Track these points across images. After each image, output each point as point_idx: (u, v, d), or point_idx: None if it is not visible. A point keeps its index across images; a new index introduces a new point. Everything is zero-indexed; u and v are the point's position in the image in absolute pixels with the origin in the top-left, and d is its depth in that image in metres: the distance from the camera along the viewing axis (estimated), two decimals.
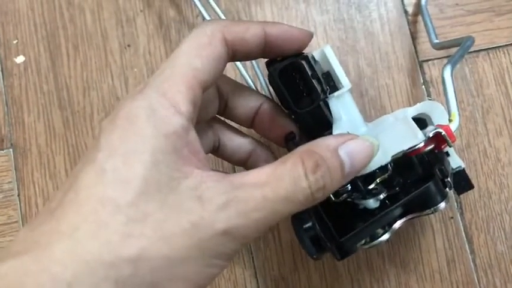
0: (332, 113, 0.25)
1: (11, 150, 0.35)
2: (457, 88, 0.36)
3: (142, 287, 0.18)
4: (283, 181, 0.19)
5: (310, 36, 0.25)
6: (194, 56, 0.21)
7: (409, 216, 0.26)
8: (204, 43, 0.21)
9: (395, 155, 0.24)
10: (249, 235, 0.19)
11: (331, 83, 0.25)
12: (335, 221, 0.25)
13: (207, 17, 0.36)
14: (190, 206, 0.19)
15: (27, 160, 0.35)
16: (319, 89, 0.24)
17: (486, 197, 0.35)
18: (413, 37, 0.37)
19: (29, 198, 0.35)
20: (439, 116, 0.26)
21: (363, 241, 0.25)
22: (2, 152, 0.35)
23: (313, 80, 0.24)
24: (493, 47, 0.37)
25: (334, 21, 0.37)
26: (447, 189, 0.26)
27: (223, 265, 0.20)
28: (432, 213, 0.25)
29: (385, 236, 0.25)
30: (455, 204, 0.35)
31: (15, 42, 0.37)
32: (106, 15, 0.37)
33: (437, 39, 0.34)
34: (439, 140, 0.25)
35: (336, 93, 0.25)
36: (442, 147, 0.25)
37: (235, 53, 0.23)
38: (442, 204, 0.25)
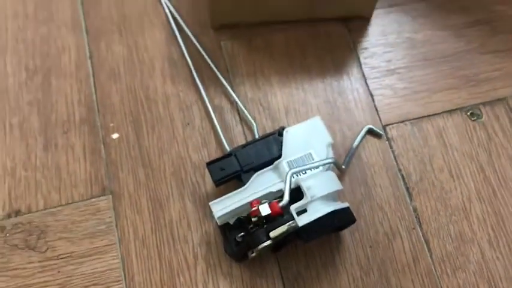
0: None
1: (110, 196, 0.52)
2: (409, 140, 0.54)
3: None
4: None
5: None
6: None
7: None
8: None
9: None
10: None
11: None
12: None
13: (240, 104, 0.54)
14: None
15: (121, 202, 0.52)
16: None
17: (436, 213, 0.51)
18: (378, 110, 0.55)
19: (123, 228, 0.51)
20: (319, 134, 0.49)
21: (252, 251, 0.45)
22: (104, 197, 0.52)
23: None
24: (433, 114, 0.55)
25: (323, 102, 0.55)
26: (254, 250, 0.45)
27: None
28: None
29: (266, 243, 0.44)
30: (415, 219, 0.51)
31: (111, 125, 0.55)
32: (172, 105, 0.56)
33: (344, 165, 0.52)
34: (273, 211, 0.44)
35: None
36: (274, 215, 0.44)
37: None
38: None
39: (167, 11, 0.60)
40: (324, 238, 0.50)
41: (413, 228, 0.51)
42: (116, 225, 0.51)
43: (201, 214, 0.51)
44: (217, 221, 0.46)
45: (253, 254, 0.46)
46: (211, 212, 0.47)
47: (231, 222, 0.47)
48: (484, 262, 0.49)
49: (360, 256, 0.50)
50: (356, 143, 0.53)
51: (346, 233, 0.50)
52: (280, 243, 0.45)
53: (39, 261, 0.49)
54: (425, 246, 0.50)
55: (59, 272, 0.49)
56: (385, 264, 0.49)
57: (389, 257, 0.50)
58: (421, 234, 0.50)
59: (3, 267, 0.49)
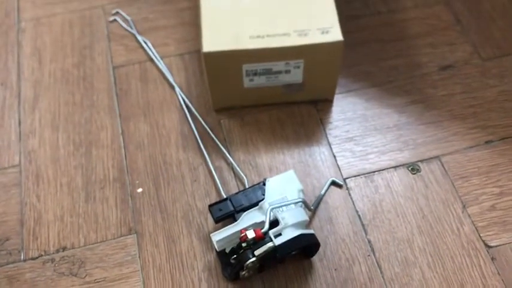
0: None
1: (135, 234, 0.68)
2: (364, 189, 0.70)
3: None
4: None
5: None
6: None
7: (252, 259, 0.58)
8: None
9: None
10: None
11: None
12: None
13: (235, 165, 0.72)
14: None
15: (143, 239, 0.67)
16: None
17: (386, 244, 0.66)
18: (339, 167, 0.72)
19: (144, 259, 0.66)
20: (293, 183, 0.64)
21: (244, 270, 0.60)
22: (130, 235, 0.68)
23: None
24: (382, 170, 0.72)
25: (298, 162, 0.73)
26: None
27: None
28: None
29: (252, 259, 0.58)
30: (370, 248, 0.66)
31: (137, 182, 0.72)
32: (183, 167, 0.73)
33: (312, 207, 0.69)
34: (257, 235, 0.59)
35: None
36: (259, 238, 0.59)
37: None
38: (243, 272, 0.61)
39: (180, 98, 0.79)
40: (299, 264, 0.64)
41: (369, 255, 0.65)
42: (139, 257, 0.66)
43: (204, 247, 0.66)
44: (216, 247, 0.62)
45: (244, 273, 0.60)
46: (212, 244, 0.63)
47: (227, 250, 0.63)
48: (424, 280, 0.63)
49: (327, 277, 0.64)
50: (323, 191, 0.69)
51: (316, 259, 0.65)
52: (262, 263, 0.60)
53: (80, 285, 0.64)
54: (378, 269, 0.64)
55: None
56: (347, 284, 0.63)
57: (350, 277, 0.64)
58: (374, 260, 0.65)
59: None
